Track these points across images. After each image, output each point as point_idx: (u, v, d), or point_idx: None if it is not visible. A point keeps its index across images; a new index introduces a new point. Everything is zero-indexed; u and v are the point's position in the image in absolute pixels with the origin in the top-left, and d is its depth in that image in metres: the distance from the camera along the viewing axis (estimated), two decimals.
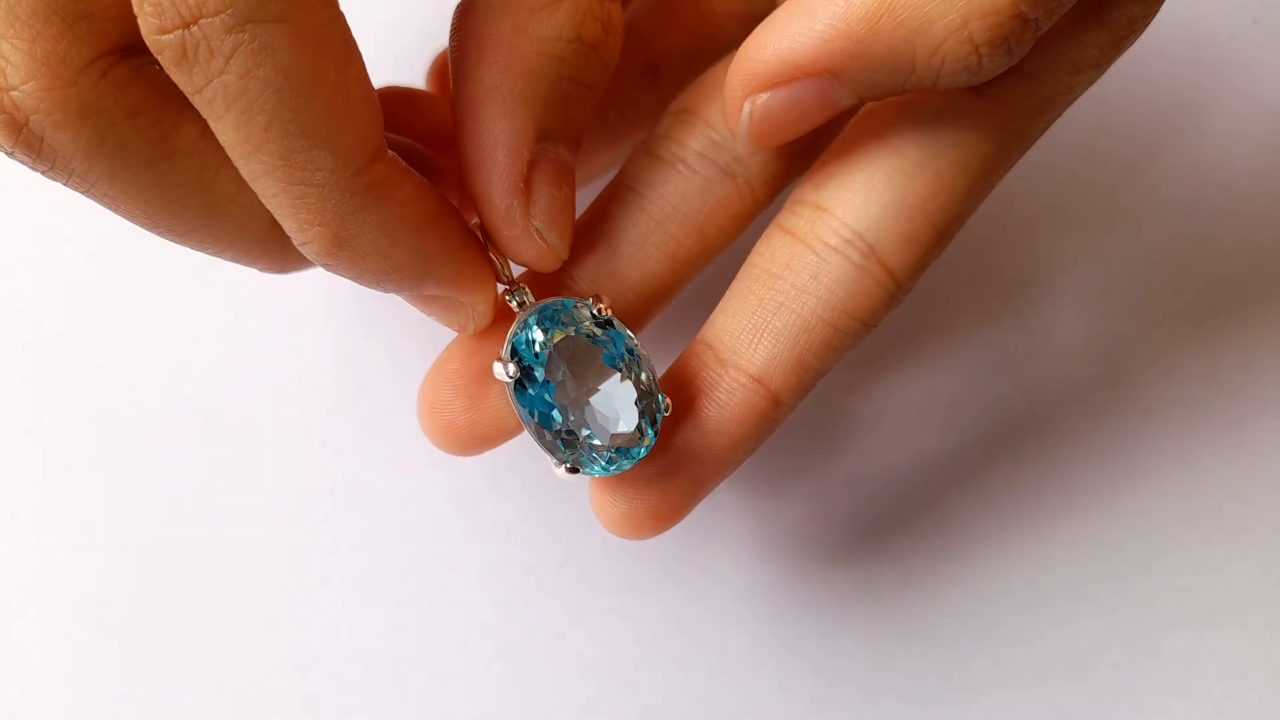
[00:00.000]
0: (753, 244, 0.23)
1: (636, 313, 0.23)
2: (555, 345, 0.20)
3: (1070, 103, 0.22)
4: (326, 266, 0.19)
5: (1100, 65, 0.21)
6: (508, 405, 0.21)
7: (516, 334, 0.20)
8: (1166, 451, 0.29)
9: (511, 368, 0.20)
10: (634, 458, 0.21)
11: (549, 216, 0.20)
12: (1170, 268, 0.31)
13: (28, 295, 0.30)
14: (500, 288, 0.21)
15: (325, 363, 0.29)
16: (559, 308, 0.21)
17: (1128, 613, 0.27)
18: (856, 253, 0.21)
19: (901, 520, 0.28)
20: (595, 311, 0.21)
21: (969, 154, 0.21)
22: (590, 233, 0.23)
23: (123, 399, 0.29)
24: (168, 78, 0.17)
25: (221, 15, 0.16)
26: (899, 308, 0.22)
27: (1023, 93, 0.21)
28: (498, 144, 0.20)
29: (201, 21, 0.16)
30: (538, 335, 0.20)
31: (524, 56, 0.19)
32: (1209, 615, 0.27)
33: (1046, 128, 0.22)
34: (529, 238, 0.20)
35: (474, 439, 0.22)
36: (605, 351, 0.21)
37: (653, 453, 0.21)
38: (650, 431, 0.21)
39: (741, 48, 0.20)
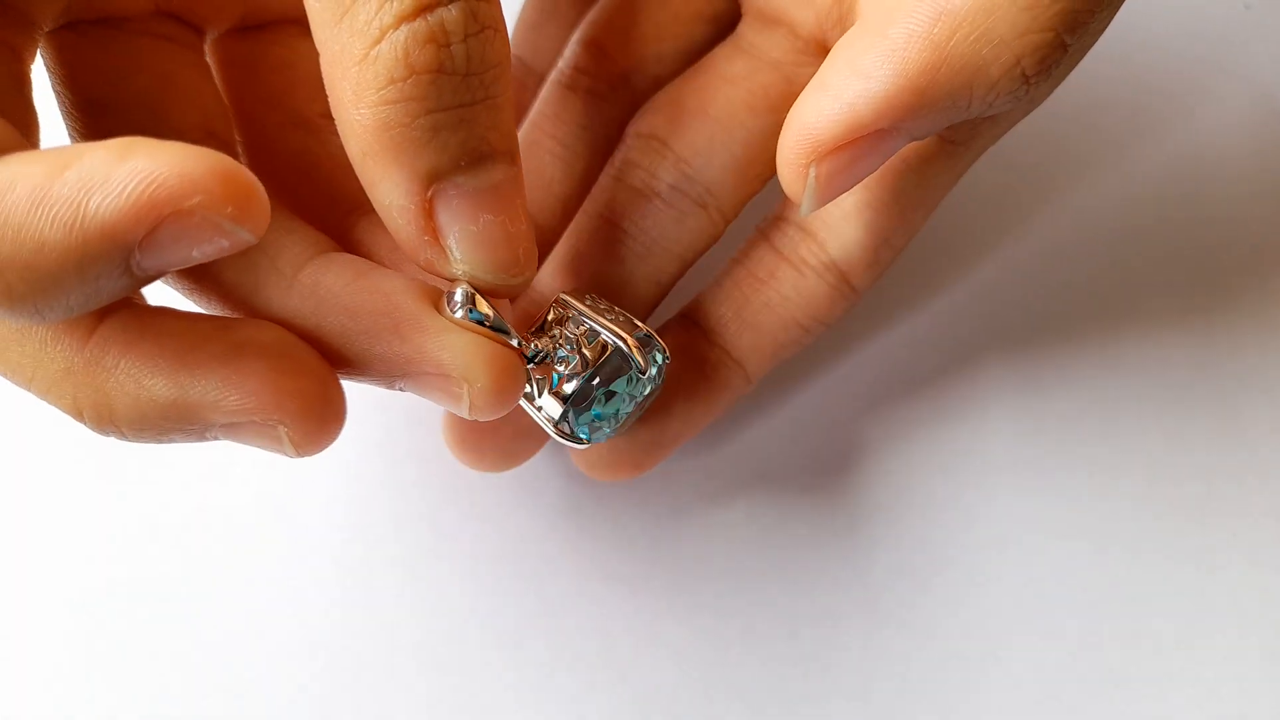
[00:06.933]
0: None
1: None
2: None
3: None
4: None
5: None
6: (527, 425, 0.24)
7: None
8: (1157, 436, 0.29)
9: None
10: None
11: (469, 254, 0.19)
12: (1160, 251, 0.31)
13: None
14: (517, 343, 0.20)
15: None
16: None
17: (1118, 600, 0.28)
18: (831, 276, 0.25)
19: (894, 509, 0.28)
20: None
21: (930, 188, 0.24)
22: (579, 267, 0.25)
23: None
24: None
25: None
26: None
27: (984, 128, 0.23)
28: (386, 210, 0.18)
29: None
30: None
31: (366, 113, 0.17)
32: (1201, 600, 0.28)
33: (995, 142, 0.24)
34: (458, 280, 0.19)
35: (504, 459, 0.25)
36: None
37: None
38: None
39: (793, 115, 0.21)
